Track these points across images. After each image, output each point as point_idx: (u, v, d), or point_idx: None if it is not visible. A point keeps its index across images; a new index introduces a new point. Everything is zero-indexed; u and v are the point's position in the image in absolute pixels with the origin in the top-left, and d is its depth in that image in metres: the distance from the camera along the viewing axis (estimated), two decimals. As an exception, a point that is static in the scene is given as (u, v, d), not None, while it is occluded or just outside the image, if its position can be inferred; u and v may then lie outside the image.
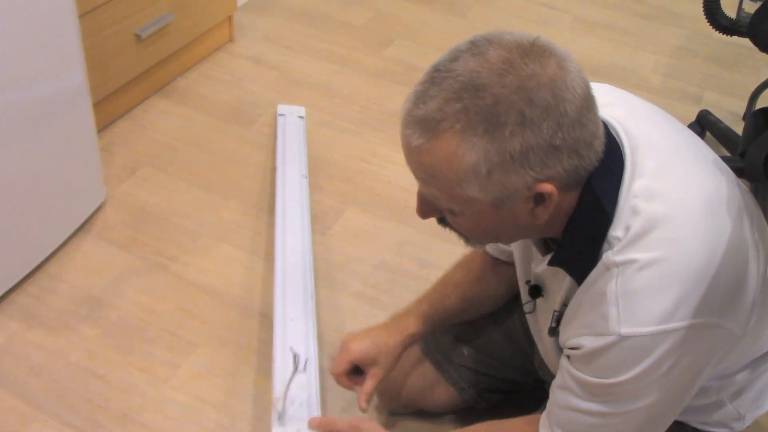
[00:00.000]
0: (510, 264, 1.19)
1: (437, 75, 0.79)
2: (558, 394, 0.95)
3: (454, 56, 0.79)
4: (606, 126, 0.86)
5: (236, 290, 1.66)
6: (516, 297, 1.26)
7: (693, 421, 1.07)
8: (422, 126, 0.79)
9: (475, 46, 0.78)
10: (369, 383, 1.16)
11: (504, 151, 0.77)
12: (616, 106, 0.91)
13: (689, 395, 0.91)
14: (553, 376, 1.00)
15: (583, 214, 0.86)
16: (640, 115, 0.95)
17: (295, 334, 1.33)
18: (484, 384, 1.33)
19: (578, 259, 0.89)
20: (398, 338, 1.18)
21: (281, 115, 2.09)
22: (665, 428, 0.94)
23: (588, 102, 0.80)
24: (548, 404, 0.98)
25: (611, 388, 0.87)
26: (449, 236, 0.95)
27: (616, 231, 0.85)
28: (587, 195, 0.85)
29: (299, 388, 1.19)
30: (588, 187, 0.84)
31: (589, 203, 0.85)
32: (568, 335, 0.92)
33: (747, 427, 1.09)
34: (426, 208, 0.90)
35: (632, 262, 0.82)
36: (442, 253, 1.74)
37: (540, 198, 0.81)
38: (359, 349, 1.16)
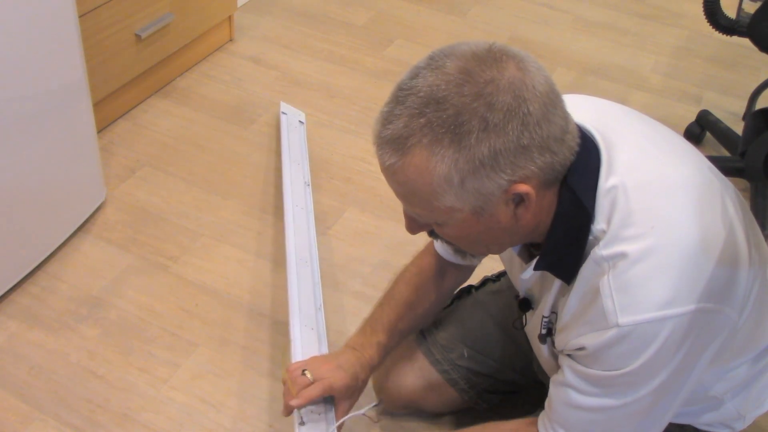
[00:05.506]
0: (460, 267, 1.23)
1: (401, 94, 0.81)
2: (559, 392, 0.95)
3: (415, 73, 0.81)
4: (579, 128, 0.87)
5: (236, 290, 1.66)
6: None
7: (694, 422, 1.07)
8: (392, 145, 0.81)
9: (434, 61, 0.80)
10: (339, 416, 1.15)
11: (473, 158, 0.78)
12: (586, 110, 0.92)
13: (689, 386, 0.91)
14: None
15: (564, 213, 0.87)
16: (611, 114, 0.96)
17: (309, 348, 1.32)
18: (484, 385, 1.33)
19: (565, 259, 0.89)
20: (367, 372, 1.20)
21: (284, 113, 2.09)
22: (666, 423, 0.94)
23: (552, 98, 0.81)
24: (547, 402, 0.98)
25: (619, 378, 0.87)
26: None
27: (598, 225, 0.85)
28: (565, 193, 0.86)
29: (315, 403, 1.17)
30: (565, 185, 0.86)
31: (568, 201, 0.86)
32: (568, 338, 0.92)
33: (746, 428, 1.09)
34: (413, 224, 0.93)
35: (622, 254, 0.83)
36: (442, 253, 1.74)
37: (519, 199, 0.82)
38: (342, 385, 1.14)
